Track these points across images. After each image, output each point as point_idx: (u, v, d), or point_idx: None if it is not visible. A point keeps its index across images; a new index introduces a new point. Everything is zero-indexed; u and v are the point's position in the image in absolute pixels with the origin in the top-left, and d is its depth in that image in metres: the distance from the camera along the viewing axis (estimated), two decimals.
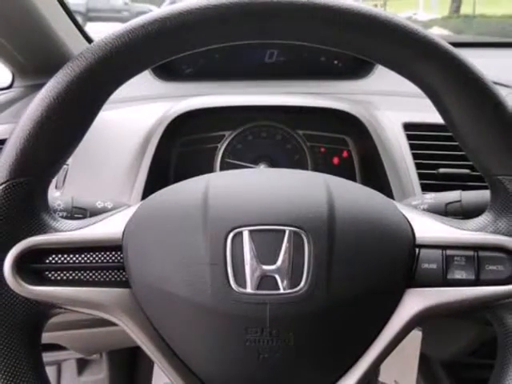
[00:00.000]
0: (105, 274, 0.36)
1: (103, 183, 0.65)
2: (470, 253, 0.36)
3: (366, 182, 0.74)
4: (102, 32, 0.37)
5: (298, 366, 0.34)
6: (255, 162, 0.77)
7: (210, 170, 0.77)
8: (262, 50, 0.87)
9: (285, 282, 0.33)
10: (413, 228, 0.37)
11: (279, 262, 0.33)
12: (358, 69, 0.87)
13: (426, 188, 0.63)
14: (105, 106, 0.37)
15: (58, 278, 0.36)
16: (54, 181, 0.38)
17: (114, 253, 0.36)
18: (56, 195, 0.47)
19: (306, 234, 0.33)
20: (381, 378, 0.75)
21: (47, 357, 0.69)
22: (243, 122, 0.77)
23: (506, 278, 0.35)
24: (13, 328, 0.34)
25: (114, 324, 0.36)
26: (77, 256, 0.36)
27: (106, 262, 0.36)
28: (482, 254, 0.36)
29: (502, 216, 0.36)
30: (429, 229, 0.37)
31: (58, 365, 1.07)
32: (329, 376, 0.36)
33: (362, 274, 0.34)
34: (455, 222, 0.38)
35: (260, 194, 0.36)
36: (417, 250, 0.36)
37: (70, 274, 0.36)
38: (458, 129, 0.36)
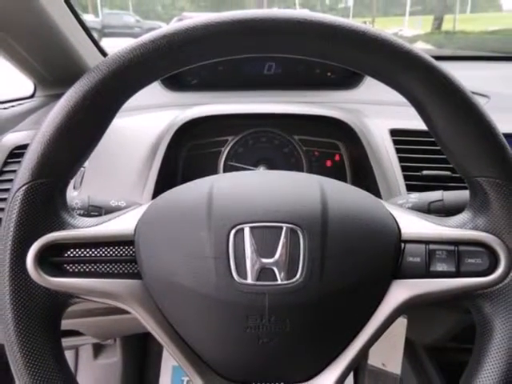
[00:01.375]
0: (118, 267, 0.36)
1: (117, 184, 0.65)
2: (451, 247, 0.36)
3: (356, 182, 0.74)
4: (115, 46, 0.37)
5: (294, 350, 0.34)
6: (255, 164, 0.77)
7: (214, 171, 0.77)
8: (261, 63, 0.87)
9: (282, 274, 0.33)
10: (399, 225, 0.37)
11: (277, 256, 0.33)
12: (348, 80, 0.87)
13: (410, 188, 0.63)
14: (118, 114, 0.37)
15: (76, 270, 0.36)
16: (72, 182, 0.38)
17: (126, 247, 0.36)
18: (74, 195, 0.47)
19: (302, 230, 0.33)
20: (370, 361, 0.75)
21: (66, 342, 0.69)
22: (244, 128, 0.77)
23: (483, 270, 0.35)
24: (35, 315, 0.34)
25: (126, 312, 0.36)
26: (93, 250, 0.36)
27: (119, 256, 0.36)
28: (461, 248, 0.36)
29: (480, 214, 0.36)
30: (413, 225, 0.37)
31: (76, 349, 1.07)
32: (322, 359, 0.36)
33: (353, 266, 0.34)
34: (437, 219, 0.38)
35: (260, 194, 0.36)
36: (402, 244, 0.36)
37: (87, 267, 0.36)
38: (439, 135, 0.36)
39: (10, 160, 0.66)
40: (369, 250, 0.35)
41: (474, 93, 0.34)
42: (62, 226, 0.35)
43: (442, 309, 0.72)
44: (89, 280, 0.35)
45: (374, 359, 0.74)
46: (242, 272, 0.33)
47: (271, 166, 0.77)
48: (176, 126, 0.70)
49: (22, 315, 0.33)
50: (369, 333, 0.35)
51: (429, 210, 0.44)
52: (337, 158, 0.77)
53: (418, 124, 0.39)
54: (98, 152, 0.39)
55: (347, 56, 0.34)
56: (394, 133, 0.69)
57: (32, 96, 0.88)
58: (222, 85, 0.87)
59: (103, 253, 0.36)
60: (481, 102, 0.34)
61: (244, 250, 0.33)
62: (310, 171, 0.76)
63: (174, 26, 0.33)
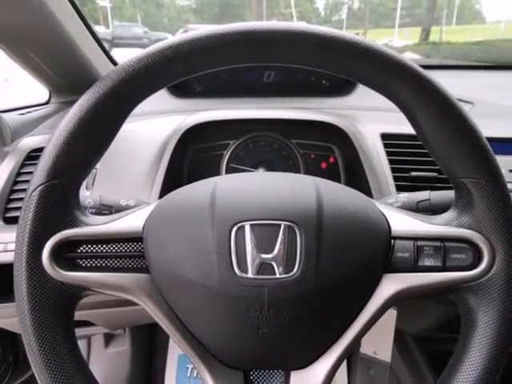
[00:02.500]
0: (128, 262, 0.36)
1: (126, 184, 0.65)
2: (438, 243, 0.36)
3: (349, 183, 0.74)
4: (125, 56, 0.37)
5: (291, 339, 0.34)
6: (255, 166, 0.77)
7: (217, 173, 0.77)
8: (260, 72, 0.87)
9: (280, 268, 0.33)
10: (389, 222, 0.37)
11: (276, 251, 0.33)
12: (342, 87, 0.87)
13: (400, 188, 0.63)
14: (128, 119, 0.37)
15: (88, 264, 0.36)
16: (84, 182, 0.38)
17: (135, 243, 0.36)
18: (86, 194, 0.47)
19: (299, 227, 0.33)
20: (362, 350, 0.75)
21: (79, 331, 0.69)
22: (245, 133, 0.77)
23: (468, 264, 0.35)
24: (50, 307, 0.34)
25: (135, 304, 0.36)
26: (104, 246, 0.36)
27: (128, 252, 0.36)
28: (447, 244, 0.36)
29: (465, 212, 0.36)
30: (402, 223, 0.37)
31: (88, 338, 1.07)
32: (318, 348, 0.36)
33: (346, 261, 0.34)
34: (425, 218, 0.38)
35: (259, 194, 0.36)
36: (392, 241, 0.36)
37: (99, 262, 0.36)
38: (427, 138, 0.36)
39: (26, 162, 0.66)
40: (361, 245, 0.35)
41: (459, 100, 0.34)
42: (76, 223, 0.35)
43: (430, 301, 0.72)
44: (100, 274, 0.35)
45: (366, 348, 0.74)
46: (242, 266, 0.33)
47: (270, 167, 0.77)
48: (181, 130, 0.70)
49: (38, 307, 0.33)
50: (361, 323, 0.35)
51: (417, 208, 0.44)
52: (331, 160, 0.77)
53: (407, 129, 0.39)
54: (109, 155, 0.39)
55: (341, 65, 0.34)
56: (384, 137, 0.69)
57: (47, 102, 0.88)
58: (225, 92, 0.87)
59: (114, 249, 0.36)
60: (465, 108, 0.34)
61: (245, 245, 0.33)
62: (307, 173, 0.76)
63: (180, 37, 0.33)
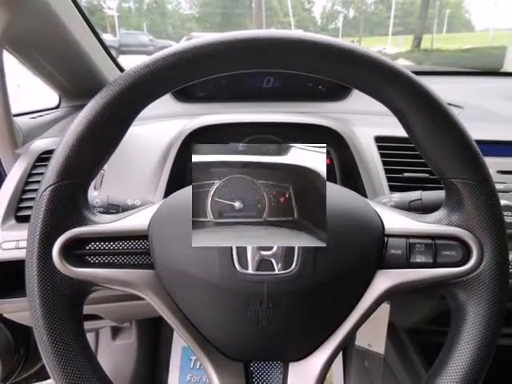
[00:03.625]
0: (134, 258, 0.36)
1: (133, 185, 0.65)
2: (429, 241, 0.36)
3: (345, 183, 0.74)
4: (131, 63, 0.37)
5: (290, 332, 0.34)
6: None
7: None
8: (260, 77, 0.87)
9: (279, 265, 0.33)
10: (382, 221, 0.37)
11: (275, 249, 0.33)
12: (338, 93, 0.87)
13: (393, 189, 0.63)
14: (134, 122, 0.37)
15: (96, 261, 0.36)
16: (92, 183, 0.38)
17: (141, 241, 0.36)
18: (94, 194, 0.47)
19: None
20: (357, 342, 0.75)
21: (87, 325, 0.69)
22: (245, 135, 0.77)
23: (457, 261, 0.35)
24: (60, 301, 0.34)
25: (141, 298, 0.36)
26: (111, 243, 0.36)
27: (134, 249, 0.36)
28: (438, 241, 0.36)
29: (455, 211, 0.36)
30: (395, 221, 0.37)
31: (96, 331, 1.07)
32: (315, 340, 0.36)
33: (342, 258, 0.34)
34: (417, 216, 0.38)
35: None
36: (385, 238, 0.36)
37: (106, 258, 0.36)
38: (419, 141, 0.36)
39: (37, 163, 0.66)
40: (356, 243, 0.35)
41: (449, 104, 0.34)
42: (84, 222, 0.35)
43: (421, 296, 0.72)
44: (108, 270, 0.35)
45: (361, 340, 0.74)
46: (243, 263, 0.33)
47: None
48: (185, 133, 0.70)
49: (49, 301, 0.33)
50: (356, 317, 0.35)
51: (409, 207, 0.44)
52: (327, 161, 0.77)
53: (400, 132, 0.39)
54: (116, 156, 0.39)
55: (337, 71, 0.34)
56: (378, 139, 0.69)
57: (57, 107, 0.88)
58: (226, 97, 0.87)
59: (120, 246, 0.36)
60: (455, 112, 0.34)
61: None
62: None
63: (184, 44, 0.33)
